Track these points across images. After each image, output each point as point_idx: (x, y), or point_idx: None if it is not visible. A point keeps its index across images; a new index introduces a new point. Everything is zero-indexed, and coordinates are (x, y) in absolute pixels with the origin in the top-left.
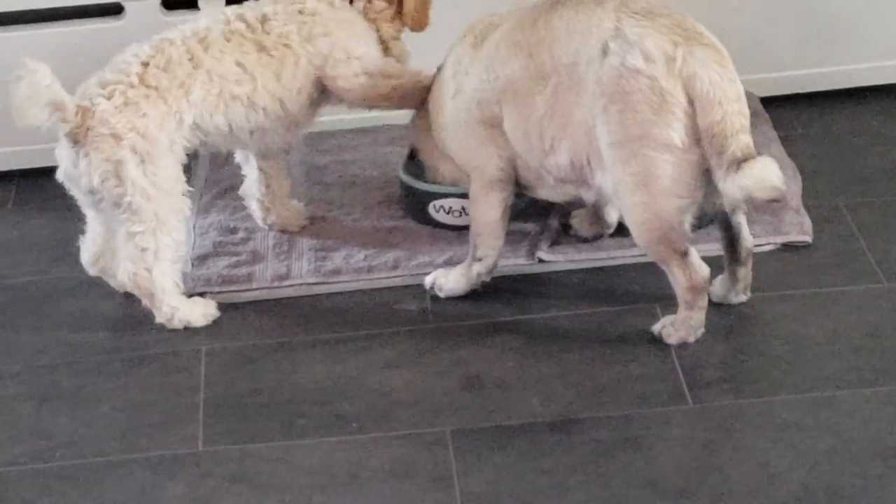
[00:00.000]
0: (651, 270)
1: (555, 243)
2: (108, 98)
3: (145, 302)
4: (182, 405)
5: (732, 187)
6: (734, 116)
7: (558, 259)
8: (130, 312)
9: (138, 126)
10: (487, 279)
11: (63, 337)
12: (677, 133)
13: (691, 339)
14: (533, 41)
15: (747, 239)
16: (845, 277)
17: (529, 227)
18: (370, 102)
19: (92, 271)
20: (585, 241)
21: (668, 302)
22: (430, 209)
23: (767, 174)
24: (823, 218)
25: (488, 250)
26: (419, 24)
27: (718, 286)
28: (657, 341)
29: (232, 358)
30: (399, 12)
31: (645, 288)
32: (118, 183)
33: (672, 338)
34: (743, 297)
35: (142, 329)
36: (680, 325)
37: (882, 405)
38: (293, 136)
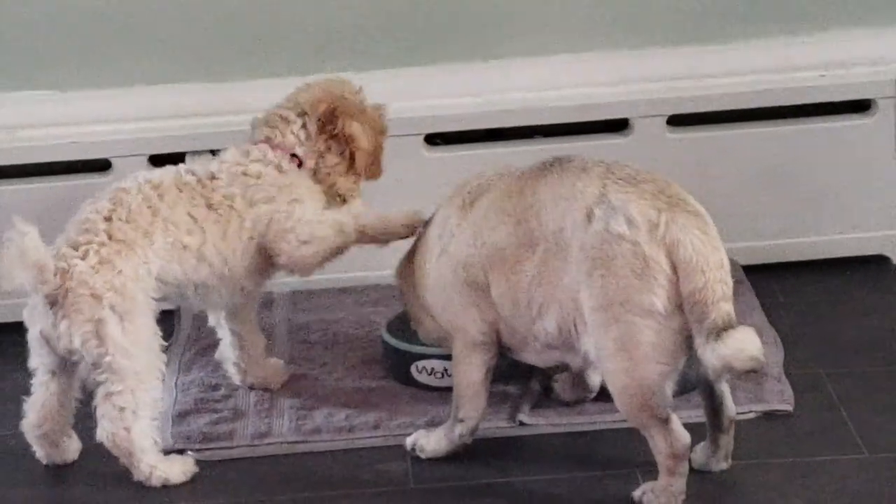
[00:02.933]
0: (632, 436)
1: (536, 406)
2: (83, 258)
3: (123, 461)
4: None
5: (711, 356)
6: (716, 284)
7: (540, 422)
8: (108, 468)
9: (116, 284)
10: (469, 441)
11: (39, 491)
12: (660, 299)
13: None
14: (521, 208)
15: (730, 407)
16: (826, 447)
17: (511, 389)
18: (319, 267)
19: (35, 432)
20: (567, 404)
21: (648, 468)
22: (413, 370)
23: (746, 345)
24: (805, 387)
25: (471, 412)
26: (373, 175)
27: (699, 453)
28: None
29: None
30: (351, 165)
31: (626, 453)
32: (99, 343)
33: None
34: (724, 465)
35: (120, 484)
36: (660, 492)
37: None
38: (239, 299)
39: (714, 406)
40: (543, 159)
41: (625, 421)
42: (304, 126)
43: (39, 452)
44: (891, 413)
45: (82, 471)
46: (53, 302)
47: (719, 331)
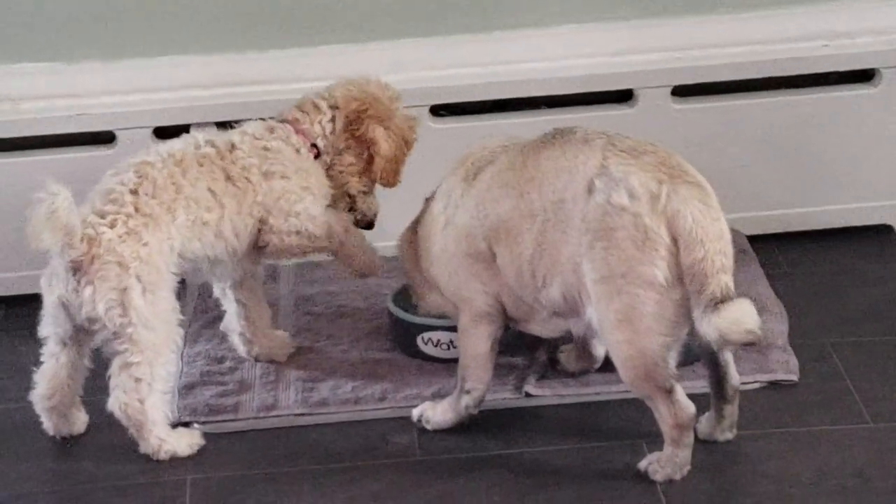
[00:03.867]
0: (638, 406)
1: (542, 378)
2: (111, 227)
3: (132, 432)
4: None
5: (707, 327)
6: (716, 256)
7: (546, 394)
8: (115, 441)
9: (142, 254)
10: (475, 412)
11: (46, 465)
12: (661, 271)
13: (677, 477)
14: (523, 181)
15: (734, 377)
16: (831, 417)
17: (517, 361)
18: (287, 257)
19: (45, 404)
20: (572, 375)
21: (654, 438)
22: (419, 341)
23: (743, 317)
24: (810, 357)
25: (476, 383)
26: (388, 183)
27: (705, 423)
28: (643, 478)
29: (217, 488)
30: (368, 168)
31: (631, 424)
32: (123, 312)
33: (658, 475)
34: (729, 435)
35: (126, 458)
36: (666, 463)
37: None
38: (238, 273)
39: (718, 376)
40: (546, 131)
41: (630, 392)
42: (332, 119)
43: (47, 424)
44: None
45: (89, 444)
46: (77, 268)
47: (717, 302)
